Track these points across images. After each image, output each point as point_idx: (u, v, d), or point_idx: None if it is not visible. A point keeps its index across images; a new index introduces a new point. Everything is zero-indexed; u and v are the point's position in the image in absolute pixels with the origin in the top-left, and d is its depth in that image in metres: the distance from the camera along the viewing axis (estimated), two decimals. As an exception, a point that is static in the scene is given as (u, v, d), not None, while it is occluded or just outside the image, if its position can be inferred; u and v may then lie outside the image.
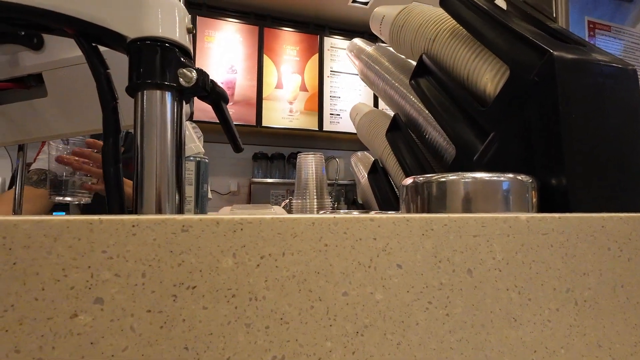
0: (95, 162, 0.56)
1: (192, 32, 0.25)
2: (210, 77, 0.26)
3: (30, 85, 0.38)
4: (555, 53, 0.31)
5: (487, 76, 0.41)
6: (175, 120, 0.23)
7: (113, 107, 0.24)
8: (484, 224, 0.20)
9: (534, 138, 0.33)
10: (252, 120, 2.76)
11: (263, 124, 2.78)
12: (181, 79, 0.23)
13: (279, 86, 2.84)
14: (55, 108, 0.38)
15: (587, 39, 0.44)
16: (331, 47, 3.03)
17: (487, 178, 0.28)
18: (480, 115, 0.40)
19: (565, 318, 0.21)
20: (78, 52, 0.36)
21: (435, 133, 0.52)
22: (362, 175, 0.85)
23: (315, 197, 0.76)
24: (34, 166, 1.00)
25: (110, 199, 0.23)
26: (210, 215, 0.16)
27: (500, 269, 0.20)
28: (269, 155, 2.89)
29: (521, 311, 0.20)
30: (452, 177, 0.29)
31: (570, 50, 0.33)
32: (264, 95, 2.78)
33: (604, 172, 0.31)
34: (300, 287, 0.17)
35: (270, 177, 2.85)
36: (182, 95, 0.24)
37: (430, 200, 0.30)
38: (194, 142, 0.55)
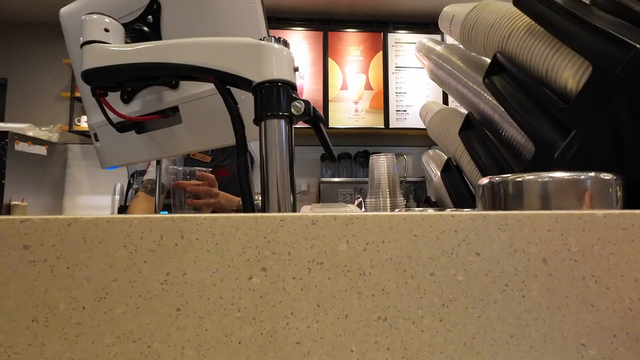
0: (202, 193, 0.72)
1: (297, 70, 0.32)
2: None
3: (169, 115, 0.50)
4: (642, 47, 0.31)
5: (568, 72, 0.40)
6: (288, 139, 0.30)
7: (243, 132, 0.32)
8: (558, 219, 0.23)
9: (621, 134, 0.33)
10: (319, 123, 2.87)
11: (330, 125, 2.87)
12: (293, 110, 0.30)
13: (343, 87, 2.91)
14: (187, 131, 0.49)
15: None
16: (395, 42, 2.99)
17: (566, 177, 0.30)
18: (561, 112, 0.40)
19: (648, 308, 0.23)
20: (203, 89, 0.47)
21: (512, 130, 0.52)
22: (435, 174, 0.86)
23: (388, 195, 0.80)
24: (146, 177, 1.20)
25: (245, 202, 0.31)
26: (330, 213, 0.22)
27: (576, 260, 0.23)
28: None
29: (599, 298, 0.23)
30: (529, 176, 0.31)
31: (663, 42, 0.32)
32: (329, 98, 2.88)
33: None
34: (397, 267, 0.22)
35: (338, 177, 2.94)
36: (292, 120, 0.31)
37: (507, 200, 0.33)
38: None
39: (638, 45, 0.31)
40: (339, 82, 2.92)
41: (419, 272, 0.22)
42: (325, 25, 2.94)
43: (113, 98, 0.51)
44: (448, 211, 0.55)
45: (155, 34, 0.47)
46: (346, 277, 0.22)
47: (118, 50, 0.34)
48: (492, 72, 0.54)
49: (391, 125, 2.93)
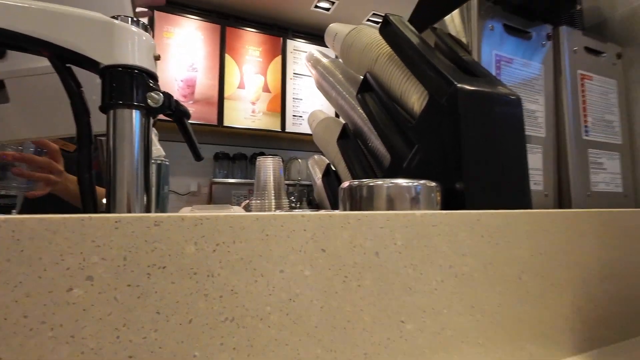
0: (39, 165, 0.55)
1: (158, 59, 0.29)
2: (175, 97, 0.31)
3: (-9, 91, 0.40)
4: (458, 85, 0.40)
5: (415, 97, 0.49)
6: (143, 133, 0.27)
7: (87, 121, 0.27)
8: (388, 218, 0.27)
9: (445, 151, 0.42)
10: (214, 120, 2.73)
11: (225, 124, 2.76)
12: (149, 101, 0.27)
13: (241, 86, 2.84)
14: (18, 114, 0.39)
15: (494, 70, 0.54)
16: (294, 49, 3.08)
17: (403, 184, 0.36)
18: (409, 130, 0.48)
19: (448, 287, 0.29)
20: (42, 64, 0.39)
21: (377, 142, 0.60)
22: (318, 177, 0.91)
23: (273, 197, 0.81)
24: None
25: (85, 202, 0.27)
26: (179, 214, 0.21)
27: (400, 252, 0.27)
28: (231, 155, 2.88)
29: (415, 282, 0.28)
30: (378, 182, 0.36)
31: (471, 82, 0.41)
32: (225, 95, 2.76)
33: (493, 178, 0.40)
34: (247, 266, 0.22)
35: (232, 178, 2.83)
36: (150, 113, 0.28)
37: (361, 201, 0.37)
38: (155, 146, 0.58)
39: (456, 83, 0.40)
40: (236, 81, 2.83)
41: (269, 270, 0.23)
42: (224, 19, 2.82)
43: None
44: (322, 212, 0.58)
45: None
46: (192, 279, 0.21)
47: None
48: (363, 90, 0.61)
49: (287, 129, 3.00)
